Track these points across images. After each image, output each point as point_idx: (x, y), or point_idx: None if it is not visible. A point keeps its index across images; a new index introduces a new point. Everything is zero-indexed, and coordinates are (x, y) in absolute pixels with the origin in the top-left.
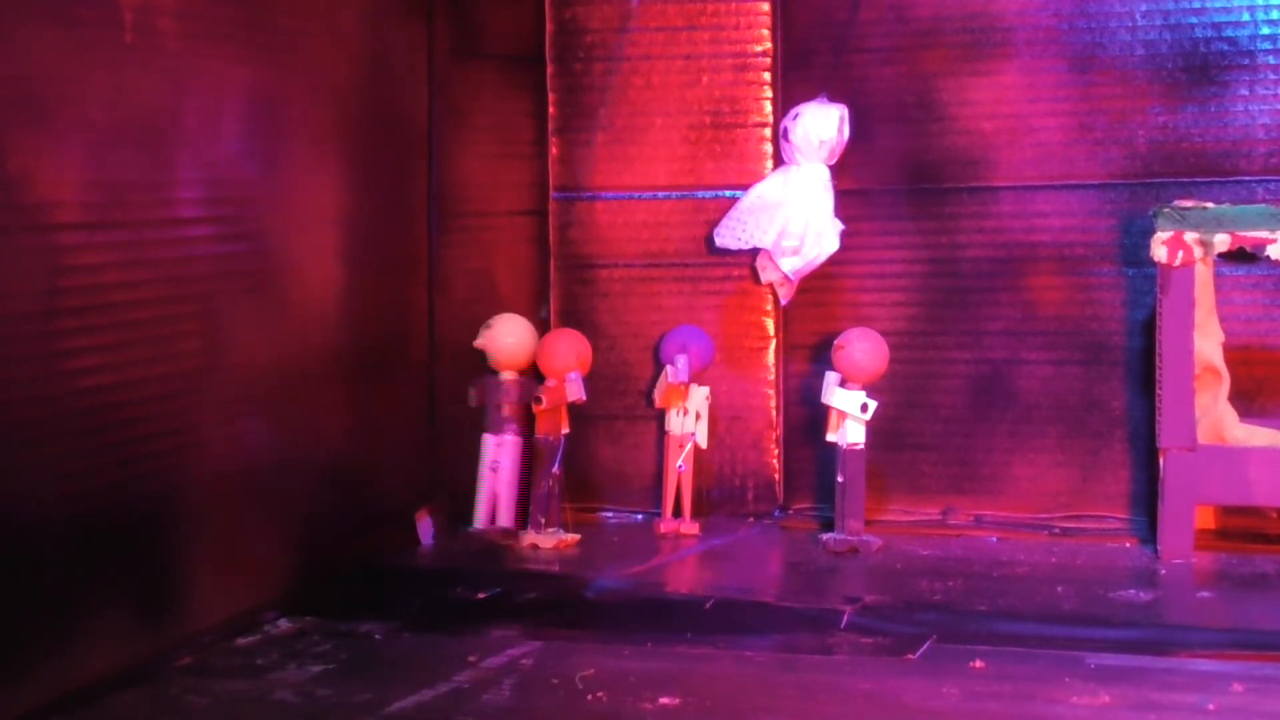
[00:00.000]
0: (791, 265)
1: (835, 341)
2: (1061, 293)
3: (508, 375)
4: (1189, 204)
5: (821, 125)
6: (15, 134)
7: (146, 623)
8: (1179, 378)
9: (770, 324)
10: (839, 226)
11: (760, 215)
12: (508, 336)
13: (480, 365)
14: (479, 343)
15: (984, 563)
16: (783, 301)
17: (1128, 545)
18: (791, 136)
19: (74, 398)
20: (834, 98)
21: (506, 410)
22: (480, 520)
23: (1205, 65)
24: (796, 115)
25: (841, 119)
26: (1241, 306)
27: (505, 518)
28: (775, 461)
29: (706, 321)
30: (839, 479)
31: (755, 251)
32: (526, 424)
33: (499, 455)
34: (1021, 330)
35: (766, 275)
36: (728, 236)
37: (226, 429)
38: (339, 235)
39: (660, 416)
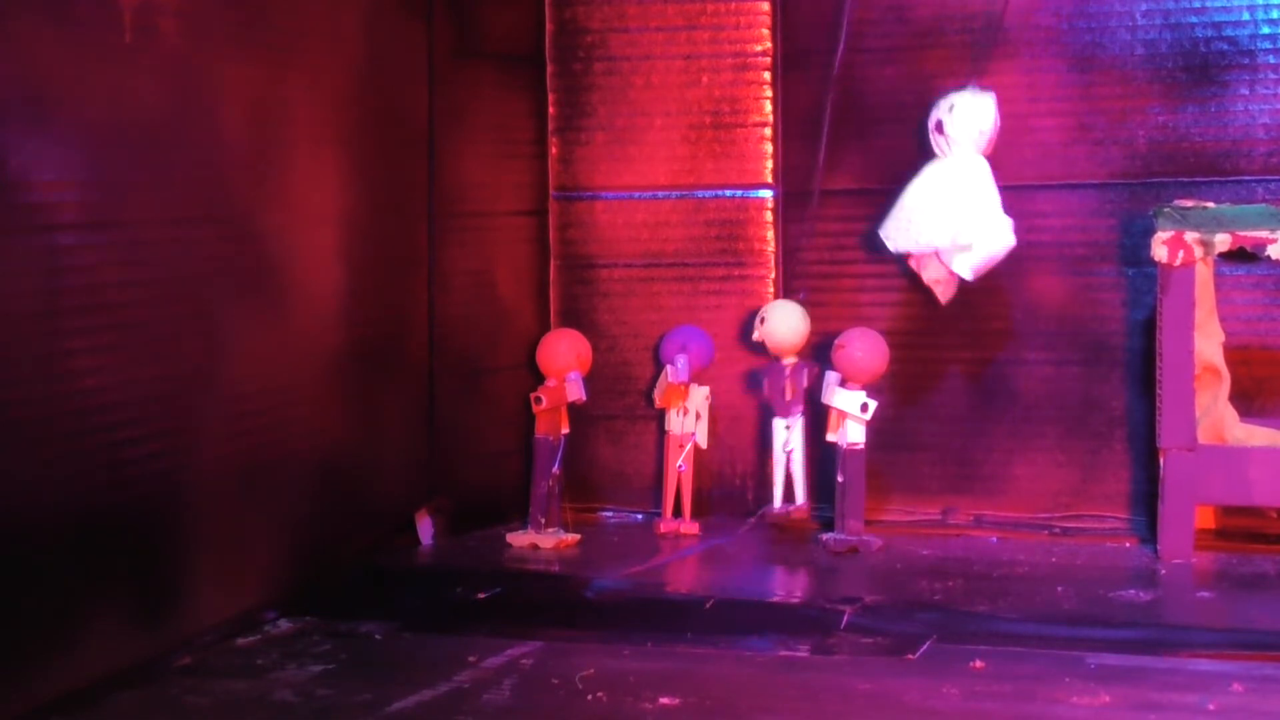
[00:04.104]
0: (967, 263)
1: (835, 341)
2: (1061, 293)
3: (790, 361)
4: (1189, 204)
5: (981, 115)
6: (15, 134)
7: (146, 623)
8: (1179, 378)
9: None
10: (1009, 221)
11: (930, 214)
12: (783, 324)
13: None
14: (756, 336)
15: (984, 563)
16: (942, 301)
17: (1128, 545)
18: (948, 129)
19: (74, 398)
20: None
21: (790, 394)
22: (777, 502)
23: (1205, 65)
24: (952, 107)
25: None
26: (1241, 306)
27: (801, 496)
28: None
29: (706, 321)
30: (839, 479)
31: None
32: (810, 406)
33: (789, 438)
34: (1021, 330)
35: (928, 274)
36: (901, 239)
37: (226, 429)
38: (339, 235)
39: (660, 416)
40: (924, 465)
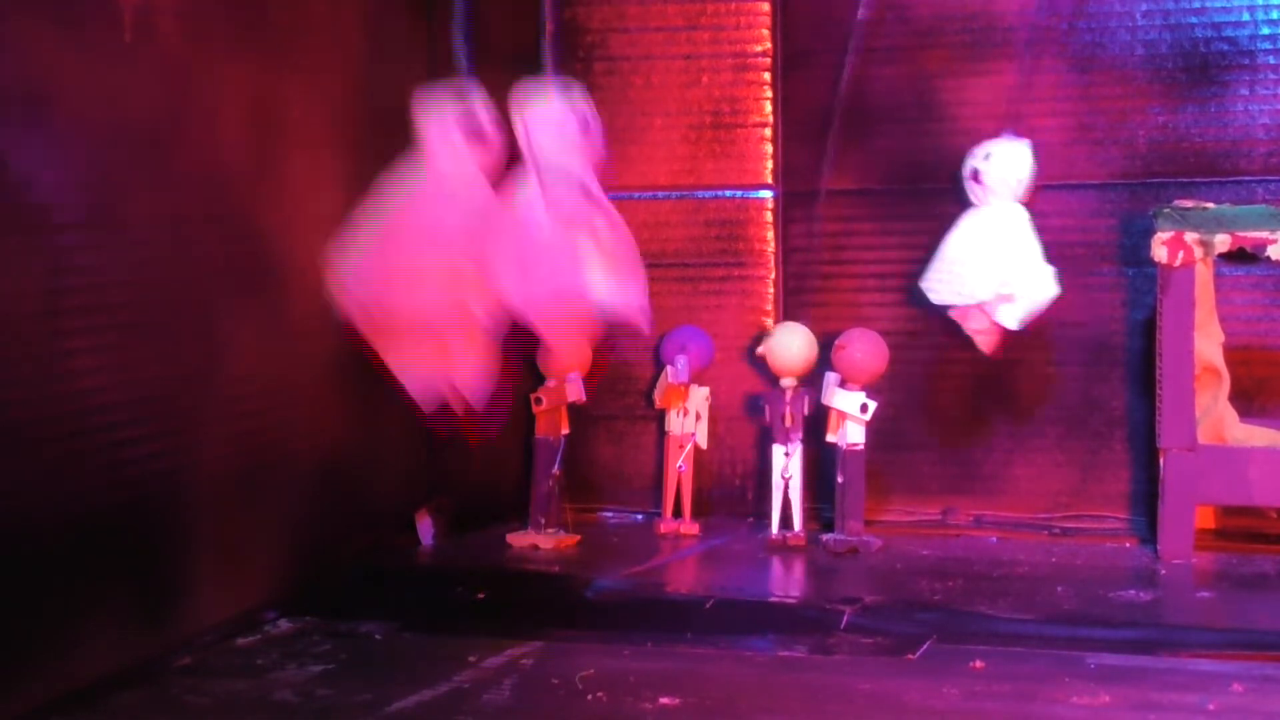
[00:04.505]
0: (1011, 315)
1: (835, 341)
2: (1062, 293)
3: (789, 384)
4: (1189, 204)
5: (1018, 164)
6: (15, 134)
7: (146, 623)
8: (1179, 378)
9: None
10: (1050, 269)
11: (973, 266)
12: (788, 345)
13: None
14: (759, 351)
15: (984, 563)
16: (986, 350)
17: (1128, 545)
18: (985, 179)
19: (74, 398)
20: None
21: (790, 420)
22: (774, 529)
23: (1205, 65)
24: (988, 155)
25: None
26: (1241, 306)
27: (798, 524)
28: None
29: (706, 321)
30: (839, 479)
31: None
32: (810, 431)
33: (788, 465)
34: (1021, 330)
35: (971, 324)
36: (946, 292)
37: (226, 429)
38: (339, 235)
39: (660, 416)
40: (924, 465)
